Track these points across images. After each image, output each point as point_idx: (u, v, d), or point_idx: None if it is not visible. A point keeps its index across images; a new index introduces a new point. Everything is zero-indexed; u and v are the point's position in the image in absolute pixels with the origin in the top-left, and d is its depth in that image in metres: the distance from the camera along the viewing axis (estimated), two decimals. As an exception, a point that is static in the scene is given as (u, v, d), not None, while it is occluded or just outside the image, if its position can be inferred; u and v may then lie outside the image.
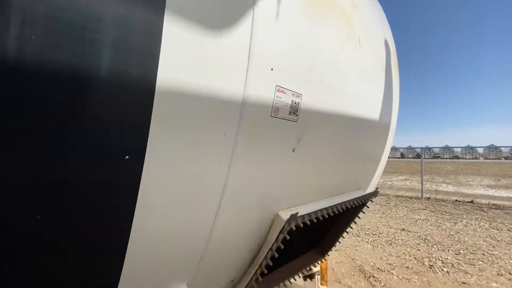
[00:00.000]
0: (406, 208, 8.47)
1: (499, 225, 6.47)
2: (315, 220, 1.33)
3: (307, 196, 1.41)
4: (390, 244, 5.17)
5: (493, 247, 5.01)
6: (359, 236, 5.64)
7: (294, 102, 1.11)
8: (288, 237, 1.20)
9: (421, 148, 13.15)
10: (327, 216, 1.42)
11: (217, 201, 0.95)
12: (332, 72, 1.32)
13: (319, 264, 2.50)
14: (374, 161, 2.14)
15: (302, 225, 1.23)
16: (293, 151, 1.19)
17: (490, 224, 6.58)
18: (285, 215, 1.24)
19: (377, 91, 1.82)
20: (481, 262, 4.31)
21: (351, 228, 2.15)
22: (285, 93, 1.05)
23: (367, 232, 5.92)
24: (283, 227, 1.17)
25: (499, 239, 5.46)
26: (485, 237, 5.59)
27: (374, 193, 2.13)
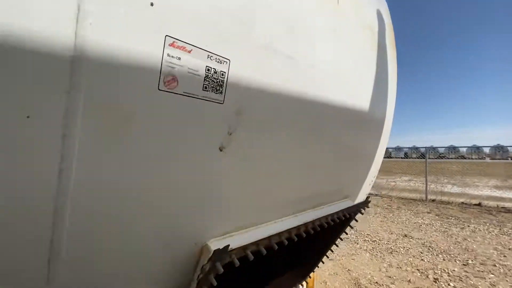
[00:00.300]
0: (409, 211, 7.97)
1: (509, 230, 5.96)
2: (265, 252, 0.90)
3: (257, 215, 0.98)
4: (391, 252, 4.71)
5: (505, 256, 4.53)
6: (357, 243, 5.18)
7: (212, 70, 0.68)
8: (215, 283, 0.77)
9: (426, 147, 12.54)
10: (287, 242, 0.99)
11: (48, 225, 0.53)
12: (288, 33, 0.88)
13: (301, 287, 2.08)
14: (364, 164, 1.71)
15: (238, 264, 0.81)
16: (220, 150, 0.76)
17: (500, 229, 6.07)
18: (216, 246, 0.81)
19: (366, 72, 1.38)
20: (492, 275, 3.84)
21: (346, 234, 1.73)
22: (190, 52, 0.62)
23: (366, 239, 5.45)
24: (202, 268, 0.75)
25: (510, 247, 4.96)
26: (495, 244, 5.10)
27: (364, 203, 1.69)
